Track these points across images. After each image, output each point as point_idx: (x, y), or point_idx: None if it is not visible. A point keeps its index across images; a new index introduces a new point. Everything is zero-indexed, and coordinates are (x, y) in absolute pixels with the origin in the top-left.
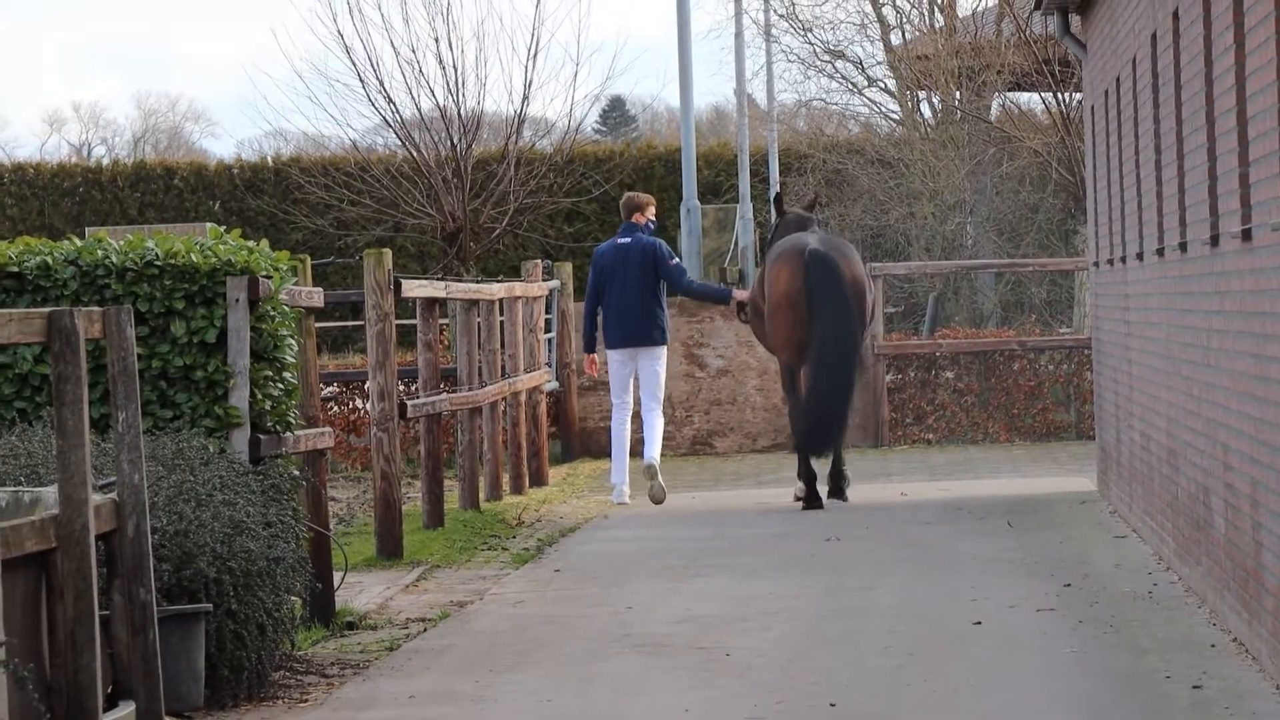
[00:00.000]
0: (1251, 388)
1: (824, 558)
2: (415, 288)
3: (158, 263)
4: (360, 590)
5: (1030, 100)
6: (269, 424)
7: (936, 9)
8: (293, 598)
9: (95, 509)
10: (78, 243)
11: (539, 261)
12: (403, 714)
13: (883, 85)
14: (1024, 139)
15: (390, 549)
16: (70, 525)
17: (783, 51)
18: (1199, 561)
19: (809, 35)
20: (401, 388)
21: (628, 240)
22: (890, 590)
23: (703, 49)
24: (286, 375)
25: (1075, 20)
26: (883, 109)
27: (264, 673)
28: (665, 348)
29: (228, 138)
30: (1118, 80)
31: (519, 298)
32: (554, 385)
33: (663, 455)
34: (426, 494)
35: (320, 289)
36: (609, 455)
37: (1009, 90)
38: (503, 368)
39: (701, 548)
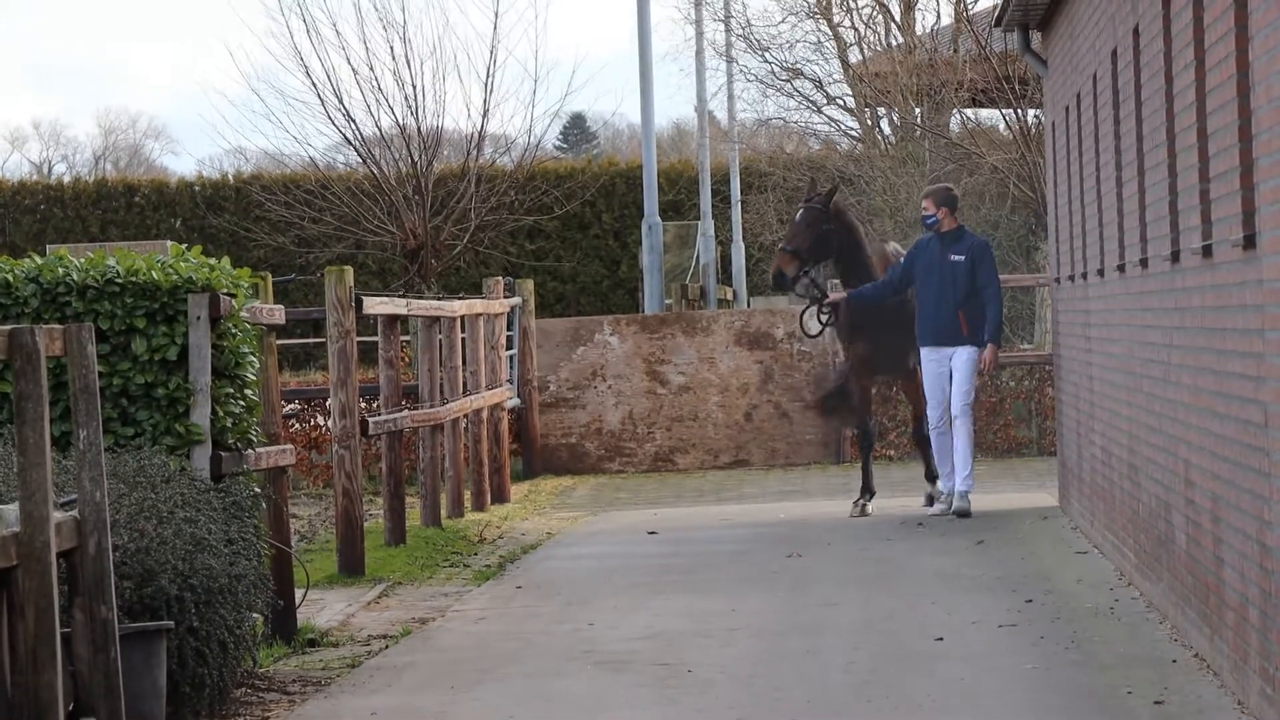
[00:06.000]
0: (1212, 403)
1: (786, 574)
2: (376, 305)
3: (119, 280)
4: (322, 607)
5: (990, 116)
6: (230, 441)
7: (895, 27)
8: (254, 615)
9: (56, 526)
10: (39, 260)
11: (500, 278)
12: None
13: (842, 103)
14: (984, 155)
15: (352, 566)
16: (31, 543)
17: (742, 71)
18: (1160, 577)
19: (766, 55)
20: (363, 405)
21: None
22: (852, 606)
23: (662, 69)
24: (248, 392)
25: (1036, 37)
26: (842, 126)
27: (226, 690)
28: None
29: (188, 155)
30: (1078, 97)
31: (480, 314)
32: (515, 402)
33: (623, 473)
34: (388, 511)
35: (281, 306)
36: (570, 472)
37: (968, 107)
38: (464, 385)
39: (663, 564)
